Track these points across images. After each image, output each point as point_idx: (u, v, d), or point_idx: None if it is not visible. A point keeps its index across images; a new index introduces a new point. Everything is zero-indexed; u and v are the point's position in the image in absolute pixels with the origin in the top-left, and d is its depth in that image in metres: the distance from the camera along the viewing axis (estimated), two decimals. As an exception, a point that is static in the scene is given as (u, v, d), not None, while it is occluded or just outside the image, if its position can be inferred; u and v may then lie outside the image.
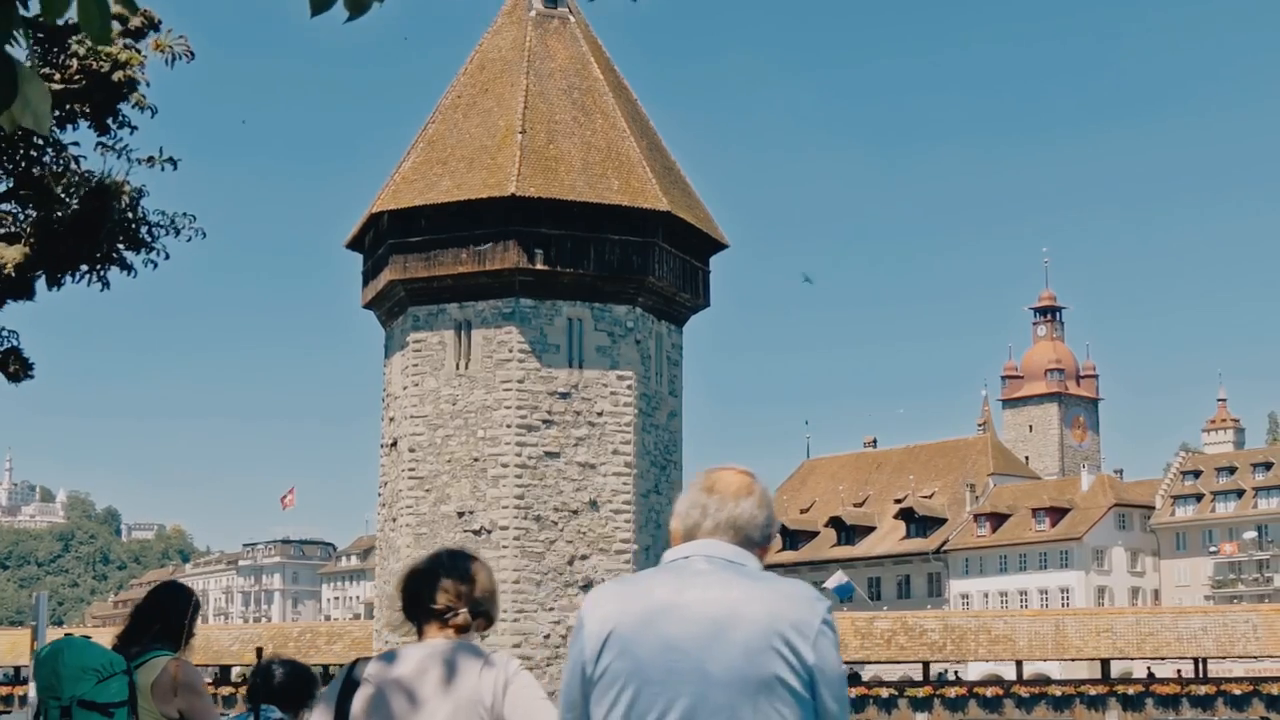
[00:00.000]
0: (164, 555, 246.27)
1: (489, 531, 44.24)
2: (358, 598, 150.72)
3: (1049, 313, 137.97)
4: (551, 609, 43.92)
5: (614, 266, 45.48)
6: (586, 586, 44.09)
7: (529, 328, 45.06)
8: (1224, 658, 49.57)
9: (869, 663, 51.93)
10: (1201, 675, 49.33)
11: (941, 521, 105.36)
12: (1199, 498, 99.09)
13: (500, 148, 45.29)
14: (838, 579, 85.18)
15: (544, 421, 44.74)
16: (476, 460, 44.77)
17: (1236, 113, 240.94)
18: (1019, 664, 51.03)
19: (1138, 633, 49.51)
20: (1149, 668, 54.19)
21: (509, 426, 44.60)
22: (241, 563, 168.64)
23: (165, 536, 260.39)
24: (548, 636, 43.70)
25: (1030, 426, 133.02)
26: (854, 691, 50.11)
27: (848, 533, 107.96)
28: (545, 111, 46.13)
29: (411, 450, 45.63)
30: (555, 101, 46.54)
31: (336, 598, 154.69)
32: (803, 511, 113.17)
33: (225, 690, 57.70)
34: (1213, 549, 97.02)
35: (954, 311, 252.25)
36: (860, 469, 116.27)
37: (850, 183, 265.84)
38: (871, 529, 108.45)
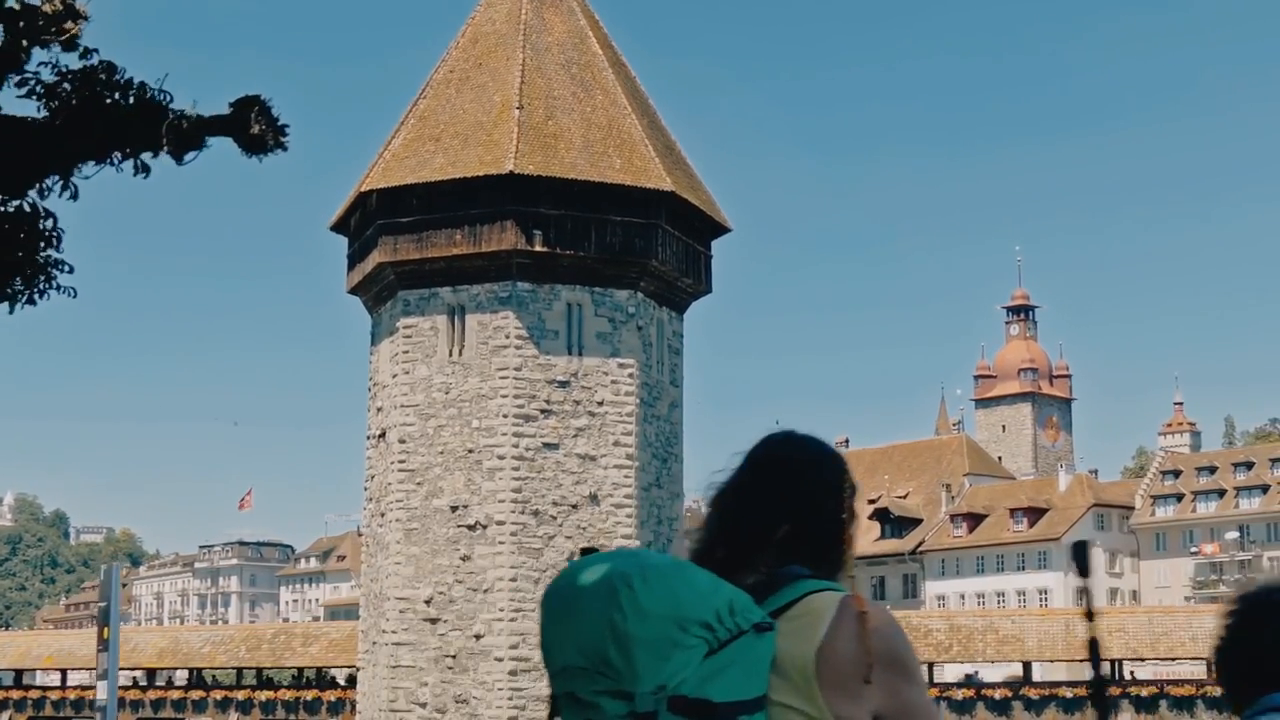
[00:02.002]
0: (113, 559, 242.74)
1: (484, 526, 42.09)
2: (317, 600, 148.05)
3: (1022, 311, 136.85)
4: (550, 608, 41.72)
5: (616, 249, 43.41)
6: (587, 584, 42.04)
7: (526, 313, 42.93)
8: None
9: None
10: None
11: (917, 522, 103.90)
12: (1179, 498, 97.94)
13: (496, 124, 43.17)
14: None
15: (542, 411, 42.63)
16: (471, 452, 42.60)
17: (1208, 118, 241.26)
18: (1026, 665, 49.30)
19: (1151, 632, 47.88)
20: (1112, 666, 52.40)
21: (505, 416, 42.45)
22: (198, 565, 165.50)
23: (114, 540, 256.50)
24: (546, 637, 41.49)
25: (1003, 426, 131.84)
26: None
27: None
28: (543, 86, 44.04)
29: (402, 441, 43.40)
30: (553, 76, 44.46)
31: (295, 600, 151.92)
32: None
33: (196, 695, 55.31)
34: (1194, 549, 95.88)
35: (924, 310, 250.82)
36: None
37: (823, 181, 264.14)
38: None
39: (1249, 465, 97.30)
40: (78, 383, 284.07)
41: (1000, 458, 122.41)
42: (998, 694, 47.69)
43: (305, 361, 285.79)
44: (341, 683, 56.40)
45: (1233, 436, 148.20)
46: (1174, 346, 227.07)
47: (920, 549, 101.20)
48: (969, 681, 49.95)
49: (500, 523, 41.88)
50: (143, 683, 58.57)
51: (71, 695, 56.62)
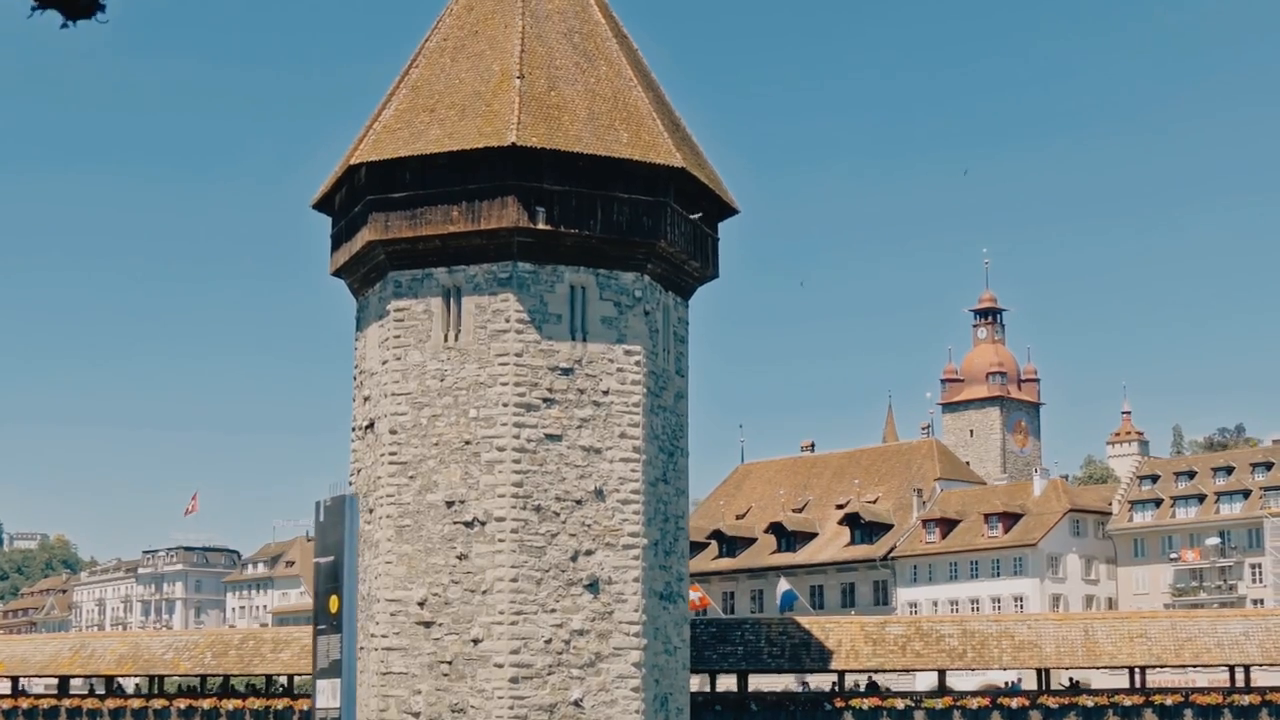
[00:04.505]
0: (48, 565, 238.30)
1: (483, 523, 39.27)
2: (264, 606, 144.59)
3: (989, 315, 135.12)
4: (553, 610, 39.00)
5: (622, 228, 40.71)
6: (592, 585, 39.35)
7: (528, 295, 40.15)
8: (1269, 665, 45.80)
9: (882, 670, 47.47)
10: (1246, 684, 45.58)
11: (887, 527, 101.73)
12: (1158, 503, 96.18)
13: (496, 94, 40.39)
14: (781, 587, 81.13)
15: (544, 400, 39.87)
16: (468, 443, 39.77)
17: (1171, 130, 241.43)
18: (1042, 672, 46.96)
19: (1174, 638, 45.62)
20: (1072, 678, 50.21)
21: (505, 405, 39.66)
22: (141, 570, 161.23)
23: (49, 546, 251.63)
24: (549, 641, 38.77)
25: (971, 431, 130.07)
26: (867, 703, 45.77)
27: (788, 539, 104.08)
28: (544, 55, 41.33)
29: (393, 432, 40.51)
30: (554, 45, 41.77)
31: (242, 606, 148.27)
32: (739, 517, 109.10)
33: (159, 703, 52.13)
34: (1173, 555, 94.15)
35: (887, 315, 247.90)
36: (798, 473, 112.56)
37: (789, 184, 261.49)
38: (813, 535, 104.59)
39: (1229, 470, 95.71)
40: (7, 386, 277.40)
41: (968, 462, 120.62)
42: (1015, 703, 45.26)
43: (259, 360, 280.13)
44: (278, 691, 53.25)
45: (1180, 445, 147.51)
46: (1122, 355, 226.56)
47: (892, 555, 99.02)
48: (1011, 689, 47.50)
49: (500, 519, 39.10)
50: (100, 691, 55.34)
51: (25, 704, 53.17)
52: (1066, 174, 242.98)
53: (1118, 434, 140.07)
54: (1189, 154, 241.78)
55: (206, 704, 51.48)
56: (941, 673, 46.77)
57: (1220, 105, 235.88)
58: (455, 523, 39.47)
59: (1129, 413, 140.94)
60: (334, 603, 11.52)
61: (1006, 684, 50.22)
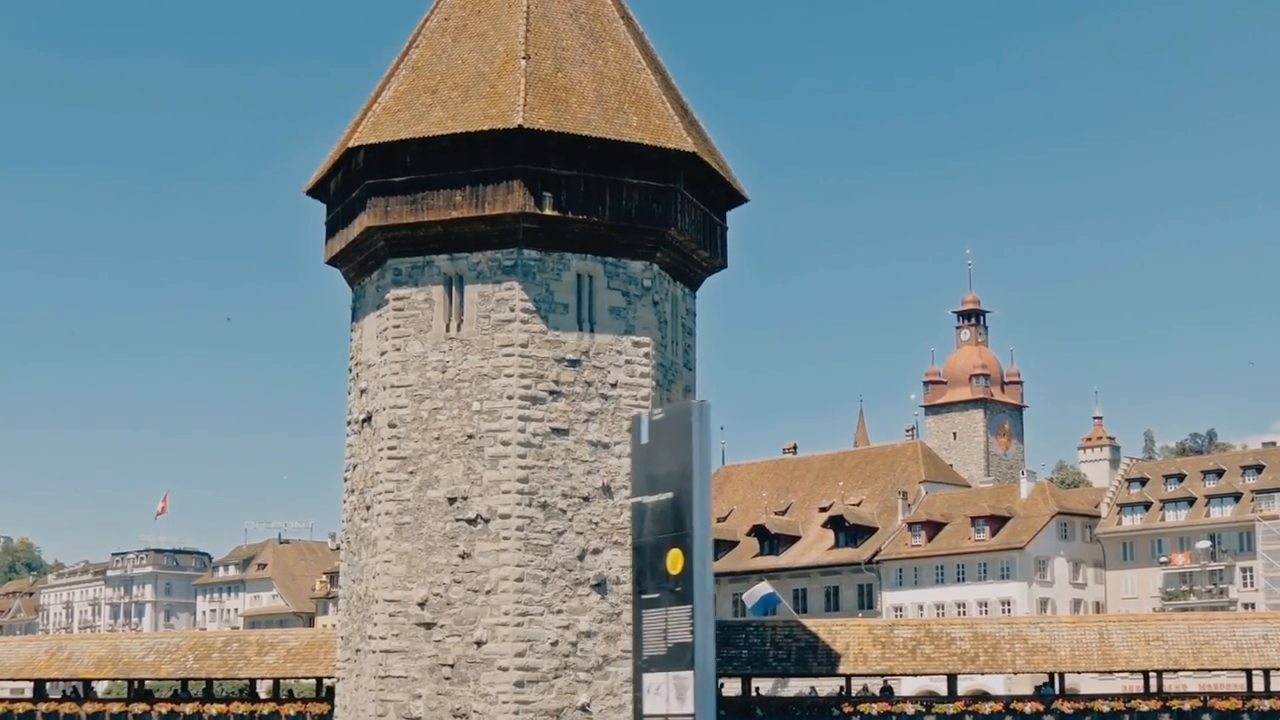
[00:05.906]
0: (11, 568, 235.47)
1: (486, 521, 37.73)
2: (235, 610, 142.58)
3: (973, 316, 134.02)
4: (560, 611, 37.46)
5: (631, 215, 39.20)
6: (599, 585, 37.86)
7: (533, 283, 38.61)
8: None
9: (892, 675, 46.12)
10: (1265, 689, 44.38)
11: (872, 530, 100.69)
12: (1147, 506, 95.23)
13: (501, 75, 38.89)
14: (762, 589, 79.81)
15: (550, 393, 38.34)
16: (471, 437, 38.21)
17: (1153, 134, 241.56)
18: (1056, 676, 45.68)
19: (1191, 641, 44.40)
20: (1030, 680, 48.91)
21: (510, 398, 38.12)
22: (110, 573, 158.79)
23: (12, 549, 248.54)
24: (555, 644, 37.23)
25: (954, 433, 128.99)
26: (876, 708, 44.39)
27: (771, 542, 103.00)
28: (550, 36, 39.87)
29: (392, 425, 38.92)
30: (560, 25, 40.32)
31: (213, 610, 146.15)
32: (720, 520, 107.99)
33: (139, 708, 50.33)
34: (1163, 559, 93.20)
35: (872, 315, 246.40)
36: (781, 476, 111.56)
37: (777, 177, 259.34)
38: (796, 538, 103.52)
39: (1219, 473, 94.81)
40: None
41: (951, 465, 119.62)
42: (1028, 708, 43.96)
43: (240, 356, 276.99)
44: (264, 695, 51.60)
45: (1152, 451, 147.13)
46: (1095, 359, 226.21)
47: (877, 558, 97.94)
48: (1041, 694, 46.16)
49: (505, 516, 37.54)
50: (53, 695, 53.53)
51: (-1, 709, 51.33)
52: (1056, 177, 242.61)
53: (1089, 439, 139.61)
54: (1172, 160, 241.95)
55: (189, 708, 49.70)
56: (952, 677, 45.40)
57: (1198, 113, 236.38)
58: (457, 520, 37.92)
59: (1100, 418, 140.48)
60: (675, 560, 7.49)
61: (1037, 689, 48.84)
